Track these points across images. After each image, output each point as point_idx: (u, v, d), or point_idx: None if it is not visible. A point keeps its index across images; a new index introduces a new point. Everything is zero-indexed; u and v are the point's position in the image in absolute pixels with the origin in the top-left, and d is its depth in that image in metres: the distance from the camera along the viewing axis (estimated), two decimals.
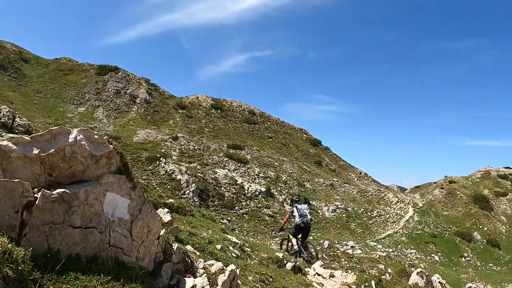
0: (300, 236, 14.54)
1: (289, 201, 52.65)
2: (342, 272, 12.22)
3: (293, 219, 15.04)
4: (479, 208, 69.32)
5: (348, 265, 23.39)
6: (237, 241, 11.92)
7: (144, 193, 4.96)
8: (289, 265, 11.08)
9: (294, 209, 14.75)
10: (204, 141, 63.98)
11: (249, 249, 11.94)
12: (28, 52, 78.91)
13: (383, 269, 23.75)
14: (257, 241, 33.51)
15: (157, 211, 8.31)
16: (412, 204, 67.38)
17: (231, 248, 10.46)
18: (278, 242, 22.64)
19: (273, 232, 43.89)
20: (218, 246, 9.60)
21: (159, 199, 12.94)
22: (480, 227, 62.18)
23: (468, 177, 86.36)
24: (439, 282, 17.34)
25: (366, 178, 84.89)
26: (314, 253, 14.38)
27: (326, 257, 24.07)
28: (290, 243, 14.84)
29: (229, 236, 12.34)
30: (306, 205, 15.08)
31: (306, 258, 13.91)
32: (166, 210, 9.67)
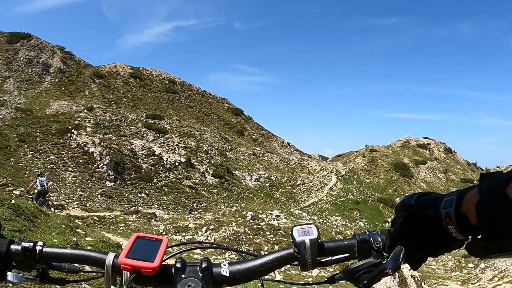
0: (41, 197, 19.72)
1: (211, 171, 53.28)
2: None
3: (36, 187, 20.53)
4: (400, 176, 72.17)
5: (274, 238, 23.04)
6: None
7: None
8: None
9: (37, 180, 20.05)
10: (121, 112, 62.12)
11: None
12: None
13: None
14: (176, 215, 34.16)
15: None
16: (335, 172, 68.60)
17: None
18: (196, 216, 26.67)
19: (195, 205, 44.34)
20: None
21: None
22: (402, 193, 64.28)
23: (389, 146, 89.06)
24: None
25: (288, 147, 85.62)
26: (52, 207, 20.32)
27: (249, 232, 23.27)
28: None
29: None
30: (45, 177, 20.96)
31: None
32: None
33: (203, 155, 58.53)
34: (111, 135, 51.01)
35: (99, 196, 38.97)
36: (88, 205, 35.78)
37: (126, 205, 39.04)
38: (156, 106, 70.94)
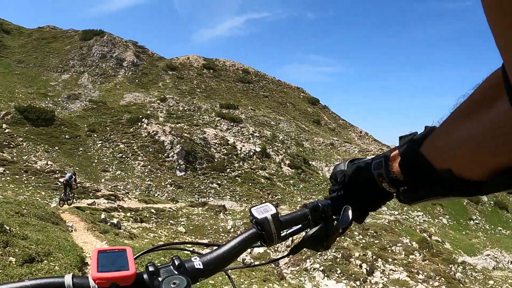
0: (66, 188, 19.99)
1: (287, 162, 50.39)
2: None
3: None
4: None
5: (364, 240, 20.96)
6: None
7: None
8: None
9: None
10: (195, 102, 61.33)
11: None
12: (9, 23, 75.79)
13: (408, 244, 21.11)
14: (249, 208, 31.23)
15: None
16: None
17: None
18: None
19: (270, 196, 41.40)
20: None
21: None
22: None
23: None
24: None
25: (366, 137, 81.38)
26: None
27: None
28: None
29: None
30: (71, 172, 21.58)
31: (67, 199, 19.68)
32: None
33: (279, 144, 56.32)
34: (183, 124, 49.44)
35: (168, 186, 37.42)
36: (156, 195, 34.46)
37: (196, 195, 37.32)
38: (230, 96, 69.70)
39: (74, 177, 20.63)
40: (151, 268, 0.86)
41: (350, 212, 1.00)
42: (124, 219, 20.47)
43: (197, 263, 0.91)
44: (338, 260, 17.45)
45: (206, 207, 27.12)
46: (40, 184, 25.77)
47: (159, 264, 0.88)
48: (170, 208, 25.07)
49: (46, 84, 57.83)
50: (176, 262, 0.88)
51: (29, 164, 29.88)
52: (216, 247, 0.96)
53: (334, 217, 1.04)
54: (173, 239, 19.06)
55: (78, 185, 25.49)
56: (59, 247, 7.30)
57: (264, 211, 0.97)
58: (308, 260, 17.17)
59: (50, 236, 7.80)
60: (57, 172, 29.04)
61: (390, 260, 18.66)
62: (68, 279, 0.83)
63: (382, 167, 0.95)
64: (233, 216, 25.59)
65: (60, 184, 24.80)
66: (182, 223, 22.23)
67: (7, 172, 26.21)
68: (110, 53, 69.30)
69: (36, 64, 63.11)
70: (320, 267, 16.55)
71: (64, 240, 7.89)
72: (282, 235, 0.98)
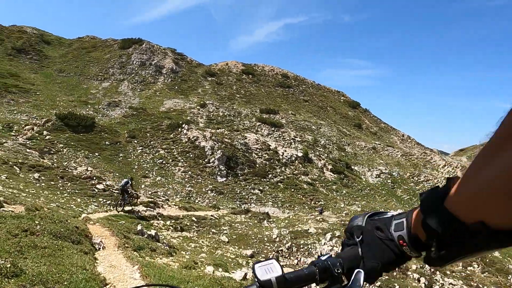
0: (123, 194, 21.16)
1: (329, 166, 48.64)
2: None
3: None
4: None
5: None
6: None
7: None
8: None
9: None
10: (235, 107, 60.92)
11: None
12: (50, 34, 77.60)
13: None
14: (292, 215, 29.45)
15: None
16: (460, 168, 61.64)
17: None
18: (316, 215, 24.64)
19: (312, 202, 39.67)
20: None
21: None
22: None
23: None
24: None
25: (409, 140, 79.05)
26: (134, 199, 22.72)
27: None
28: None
29: None
30: (126, 180, 22.10)
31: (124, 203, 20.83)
32: None
33: (320, 149, 55.26)
34: (223, 130, 48.44)
35: (209, 192, 36.60)
36: (197, 201, 33.71)
37: (237, 202, 36.38)
38: (270, 101, 69.02)
39: (130, 182, 21.73)
40: None
41: (362, 278, 0.92)
42: (163, 228, 19.24)
43: None
44: (395, 273, 16.14)
45: (249, 215, 25.61)
46: (76, 191, 24.74)
47: None
48: (211, 215, 23.67)
49: (86, 92, 58.33)
50: None
51: (69, 169, 28.96)
52: None
53: (344, 280, 0.96)
54: (215, 249, 17.56)
55: (116, 191, 25.21)
56: (69, 283, 5.62)
57: (269, 270, 0.93)
58: None
59: (61, 265, 5.89)
60: (94, 178, 28.17)
61: (448, 272, 17.79)
62: None
63: (404, 228, 0.89)
64: (277, 224, 24.07)
65: (97, 191, 24.94)
66: (225, 231, 20.82)
67: (43, 178, 25.34)
68: (149, 60, 69.84)
69: (77, 73, 64.11)
70: (376, 281, 14.64)
71: (81, 269, 6.08)
72: None
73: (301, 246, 19.47)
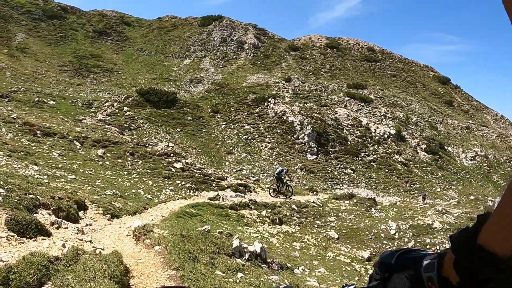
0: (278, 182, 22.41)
1: (423, 146, 44.27)
2: None
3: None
4: None
5: None
6: None
7: None
8: None
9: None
10: (321, 82, 58.37)
11: None
12: (130, 16, 78.60)
13: None
14: (401, 202, 25.57)
15: None
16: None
17: None
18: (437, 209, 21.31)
19: (408, 185, 35.58)
20: None
21: None
22: None
23: None
24: None
25: (503, 120, 72.06)
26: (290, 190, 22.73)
27: None
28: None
29: None
30: (279, 167, 23.50)
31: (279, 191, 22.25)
32: None
33: (413, 127, 51.51)
34: (311, 104, 45.25)
35: (298, 170, 33.83)
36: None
37: (329, 182, 33.45)
38: (357, 75, 65.65)
39: (285, 171, 22.60)
40: None
41: None
42: (258, 221, 15.86)
43: None
44: None
45: (355, 201, 22.21)
46: (148, 170, 21.11)
47: None
48: (313, 202, 20.21)
49: (168, 70, 57.94)
50: None
51: (149, 145, 26.78)
52: None
53: None
54: (325, 250, 14.42)
55: (198, 171, 23.17)
56: None
57: None
58: None
59: None
60: (172, 155, 24.63)
61: None
62: None
63: (434, 270, 0.83)
64: (386, 212, 20.26)
65: (174, 170, 21.99)
66: (332, 224, 17.48)
67: (108, 155, 22.08)
68: (230, 36, 68.71)
69: (158, 52, 64.26)
70: None
71: None
72: None
73: (428, 246, 15.55)
